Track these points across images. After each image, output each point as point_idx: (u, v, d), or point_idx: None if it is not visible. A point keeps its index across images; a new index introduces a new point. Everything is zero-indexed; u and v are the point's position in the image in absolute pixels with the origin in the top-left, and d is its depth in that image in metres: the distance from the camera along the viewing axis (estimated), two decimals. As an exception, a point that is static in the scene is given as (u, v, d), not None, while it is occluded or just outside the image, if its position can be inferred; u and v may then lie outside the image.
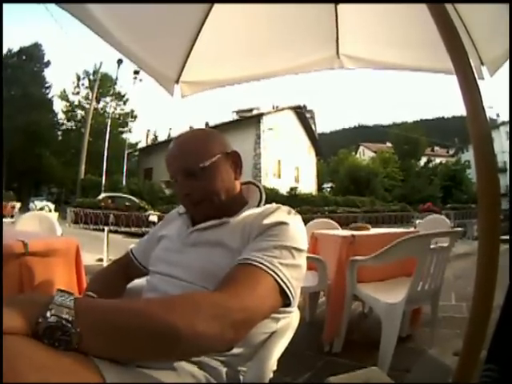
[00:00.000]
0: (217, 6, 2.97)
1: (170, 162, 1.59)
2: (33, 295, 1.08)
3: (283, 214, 1.42)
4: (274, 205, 1.52)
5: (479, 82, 1.52)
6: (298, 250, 1.32)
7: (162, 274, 1.51)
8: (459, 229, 4.24)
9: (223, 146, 1.60)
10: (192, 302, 1.04)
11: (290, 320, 1.49)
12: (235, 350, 1.26)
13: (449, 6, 1.82)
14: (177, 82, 3.50)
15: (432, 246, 3.23)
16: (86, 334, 0.87)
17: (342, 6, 3.14)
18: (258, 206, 1.60)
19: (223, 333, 1.02)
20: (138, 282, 1.83)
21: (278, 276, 1.21)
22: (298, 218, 1.46)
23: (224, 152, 1.57)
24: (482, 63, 3.10)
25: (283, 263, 1.24)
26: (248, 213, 1.51)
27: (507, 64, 2.86)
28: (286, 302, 1.27)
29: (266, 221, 1.36)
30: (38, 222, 4.35)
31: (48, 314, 0.84)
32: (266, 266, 1.20)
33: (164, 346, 0.96)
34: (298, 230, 1.38)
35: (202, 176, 1.50)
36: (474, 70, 1.52)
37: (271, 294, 1.20)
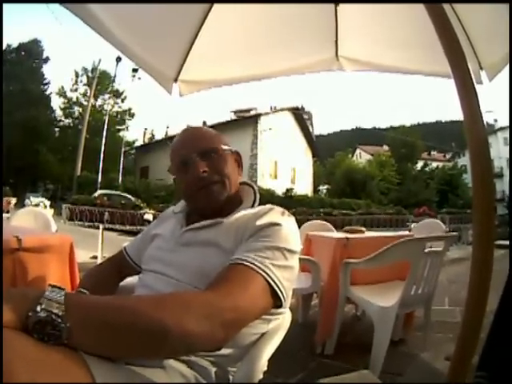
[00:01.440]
0: (216, 6, 2.98)
1: (183, 145, 1.61)
2: (24, 289, 1.08)
3: (276, 215, 1.43)
4: (267, 206, 1.53)
5: (477, 86, 1.53)
6: (291, 251, 1.33)
7: (154, 273, 1.51)
8: (454, 233, 4.24)
9: (228, 144, 1.65)
10: (182, 300, 1.05)
11: (282, 321, 1.49)
12: (225, 351, 1.26)
13: (449, 11, 1.83)
14: (175, 80, 3.50)
15: (426, 250, 3.24)
16: (76, 329, 0.87)
17: (342, 8, 3.14)
18: (252, 206, 1.60)
19: (213, 332, 1.02)
20: (131, 279, 1.83)
21: (270, 277, 1.21)
22: (292, 219, 1.47)
23: (230, 149, 1.64)
24: (481, 68, 3.11)
25: (275, 264, 1.25)
26: (242, 213, 1.52)
27: (507, 68, 2.88)
28: (278, 303, 1.27)
29: (259, 222, 1.37)
30: (33, 218, 4.35)
31: (38, 309, 0.85)
32: (258, 267, 1.20)
33: (153, 343, 0.96)
34: (290, 232, 1.38)
35: (216, 158, 1.55)
36: (473, 75, 1.53)
37: (262, 294, 1.20)
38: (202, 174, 1.50)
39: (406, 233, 6.06)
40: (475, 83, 1.52)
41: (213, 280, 1.19)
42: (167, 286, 1.40)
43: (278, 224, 1.35)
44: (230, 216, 1.51)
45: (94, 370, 0.90)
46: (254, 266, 1.20)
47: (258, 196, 1.66)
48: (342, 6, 3.12)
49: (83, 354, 0.91)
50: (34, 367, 0.79)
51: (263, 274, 1.20)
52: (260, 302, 1.20)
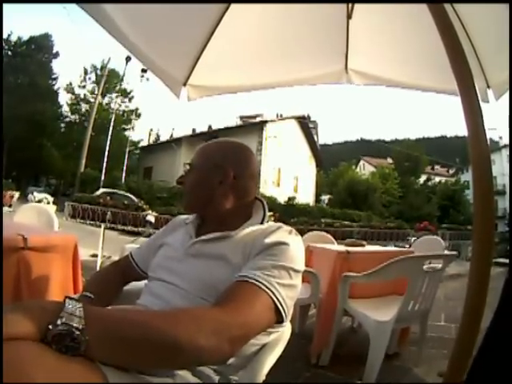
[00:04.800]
0: (229, 14, 3.00)
1: None
2: (42, 301, 1.12)
3: (284, 233, 1.47)
4: (276, 224, 1.57)
5: (484, 105, 1.55)
6: (296, 270, 1.37)
7: (161, 281, 1.55)
8: (453, 252, 4.25)
9: (221, 159, 1.64)
10: (194, 317, 1.09)
11: (282, 334, 1.52)
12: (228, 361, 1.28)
13: (459, 29, 1.85)
14: (184, 84, 3.52)
15: (425, 268, 3.25)
16: (94, 342, 0.91)
17: (353, 22, 3.16)
18: (262, 222, 1.63)
19: (221, 347, 1.07)
20: (136, 284, 1.86)
21: (275, 295, 1.26)
22: (298, 238, 1.50)
23: (219, 165, 1.62)
24: (489, 86, 3.13)
25: (280, 283, 1.29)
26: (251, 229, 1.55)
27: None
28: (280, 319, 1.31)
29: (268, 240, 1.41)
30: (36, 215, 4.34)
31: (59, 322, 0.88)
32: (265, 286, 1.25)
33: (166, 357, 1.00)
34: (297, 251, 1.42)
35: (191, 172, 1.69)
36: (479, 93, 1.55)
37: (267, 311, 1.25)
38: (177, 184, 1.72)
39: (407, 248, 6.07)
40: (481, 101, 1.54)
41: (221, 296, 1.24)
42: (174, 295, 1.44)
43: (285, 243, 1.39)
44: (238, 230, 1.54)
45: (111, 379, 0.94)
46: (260, 285, 1.25)
47: (267, 212, 1.69)
48: (354, 20, 3.15)
49: (99, 364, 0.94)
50: (56, 378, 0.82)
51: (269, 292, 1.25)
52: (265, 318, 1.25)
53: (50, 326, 0.87)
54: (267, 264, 1.32)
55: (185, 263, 1.53)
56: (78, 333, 0.88)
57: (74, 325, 0.88)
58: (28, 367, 0.79)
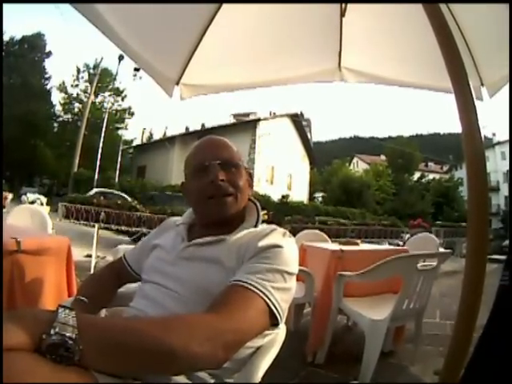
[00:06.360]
0: (222, 12, 2.99)
1: (205, 151, 1.64)
2: (35, 310, 1.12)
3: (278, 236, 1.47)
4: (270, 226, 1.56)
5: (478, 102, 1.55)
6: (290, 273, 1.37)
7: (154, 284, 1.53)
8: (447, 250, 4.26)
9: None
10: (187, 323, 1.08)
11: (276, 336, 1.52)
12: None
13: (454, 28, 1.85)
14: (177, 83, 3.50)
15: (419, 266, 3.26)
16: (88, 351, 0.90)
17: (347, 20, 3.16)
18: (256, 225, 1.62)
19: (215, 353, 1.06)
20: (130, 286, 1.86)
21: (270, 300, 1.25)
22: (292, 240, 1.50)
23: (246, 167, 1.68)
24: (482, 84, 3.14)
25: (275, 287, 1.28)
26: (245, 232, 1.55)
27: (507, 84, 2.91)
28: (275, 322, 1.31)
29: (261, 243, 1.40)
30: (29, 217, 4.31)
31: (52, 332, 0.87)
32: (259, 290, 1.24)
33: (160, 364, 0.99)
34: (291, 254, 1.42)
35: (235, 172, 1.59)
36: (473, 91, 1.55)
37: (262, 316, 1.24)
38: (219, 182, 1.52)
39: (401, 247, 6.09)
40: (475, 99, 1.54)
41: (215, 301, 1.22)
42: (167, 299, 1.43)
43: (279, 246, 1.39)
44: (232, 233, 1.53)
45: None
46: (254, 289, 1.24)
47: (260, 214, 1.68)
48: (347, 18, 3.14)
49: (94, 372, 0.94)
50: None
51: (263, 296, 1.24)
52: (259, 323, 1.24)
53: (44, 336, 0.86)
54: (261, 267, 1.31)
55: (178, 266, 1.52)
56: (71, 342, 0.87)
57: (67, 334, 0.87)
58: (23, 378, 0.79)
